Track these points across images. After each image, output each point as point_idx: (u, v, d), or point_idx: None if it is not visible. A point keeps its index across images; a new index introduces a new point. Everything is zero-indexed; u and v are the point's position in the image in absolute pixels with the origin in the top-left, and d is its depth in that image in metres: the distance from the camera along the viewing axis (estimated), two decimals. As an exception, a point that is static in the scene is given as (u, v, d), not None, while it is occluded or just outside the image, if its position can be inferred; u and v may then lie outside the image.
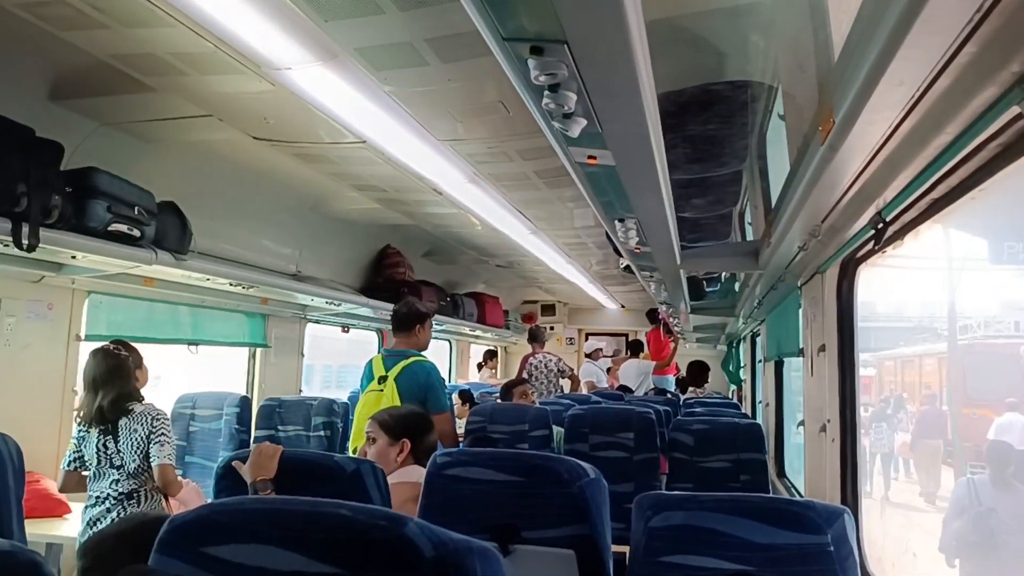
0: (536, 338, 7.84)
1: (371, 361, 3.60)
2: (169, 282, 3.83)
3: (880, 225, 2.06)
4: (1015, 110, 1.19)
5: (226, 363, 5.11)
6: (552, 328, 11.54)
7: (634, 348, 9.09)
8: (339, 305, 5.18)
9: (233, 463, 2.00)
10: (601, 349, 9.89)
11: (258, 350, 5.09)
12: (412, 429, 2.55)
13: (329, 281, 5.24)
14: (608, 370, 9.37)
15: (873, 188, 1.84)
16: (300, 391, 5.44)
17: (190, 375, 5.11)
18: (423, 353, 3.59)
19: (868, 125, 1.40)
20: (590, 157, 1.80)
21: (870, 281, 2.98)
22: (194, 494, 3.21)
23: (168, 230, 3.39)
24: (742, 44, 2.49)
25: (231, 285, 4.01)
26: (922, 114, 1.32)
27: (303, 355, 5.53)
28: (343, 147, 3.55)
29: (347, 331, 6.45)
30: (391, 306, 5.68)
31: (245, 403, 4.07)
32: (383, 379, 3.43)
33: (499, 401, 4.86)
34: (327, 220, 5.08)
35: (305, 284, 4.74)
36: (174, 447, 3.12)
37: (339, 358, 9.42)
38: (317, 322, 5.80)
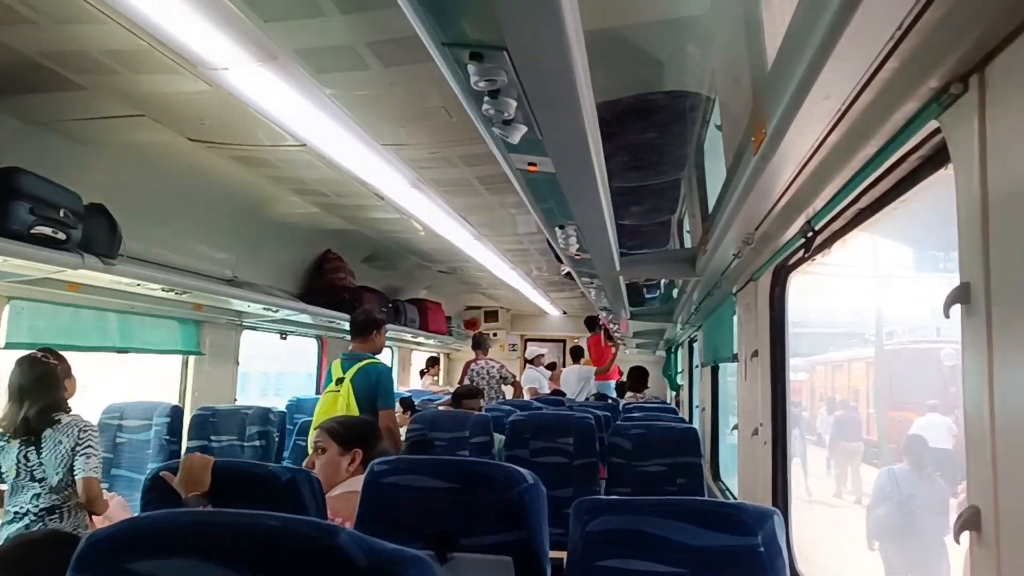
0: (480, 345, 7.76)
1: (331, 365, 4.07)
2: (96, 287, 3.68)
3: (810, 233, 2.13)
4: (933, 124, 1.24)
5: (157, 372, 4.94)
6: (495, 334, 11.54)
7: (575, 354, 9.17)
8: (277, 311, 5.06)
9: (162, 474, 1.92)
10: (543, 355, 9.93)
11: (191, 358, 4.93)
12: (363, 438, 2.50)
13: (267, 287, 5.11)
14: (551, 376, 9.41)
15: (803, 198, 1.90)
16: (235, 400, 5.29)
17: (119, 385, 4.92)
18: (377, 356, 4.08)
19: (798, 136, 1.44)
20: (530, 164, 1.80)
21: (802, 288, 3.07)
22: (120, 509, 3.08)
23: (96, 233, 3.25)
24: (680, 55, 2.54)
25: (163, 291, 3.87)
26: (848, 127, 1.37)
27: (238, 363, 5.38)
28: (283, 150, 3.48)
29: (285, 338, 6.31)
30: (331, 313, 5.64)
31: (176, 413, 3.94)
32: (340, 380, 3.92)
33: (444, 408, 4.82)
34: (266, 225, 4.96)
35: (241, 290, 4.61)
36: (101, 460, 2.99)
37: (277, 365, 9.20)
38: (254, 329, 5.65)
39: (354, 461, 2.44)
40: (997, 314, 1.02)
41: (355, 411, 3.78)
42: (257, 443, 4.15)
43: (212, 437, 4.16)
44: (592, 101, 1.50)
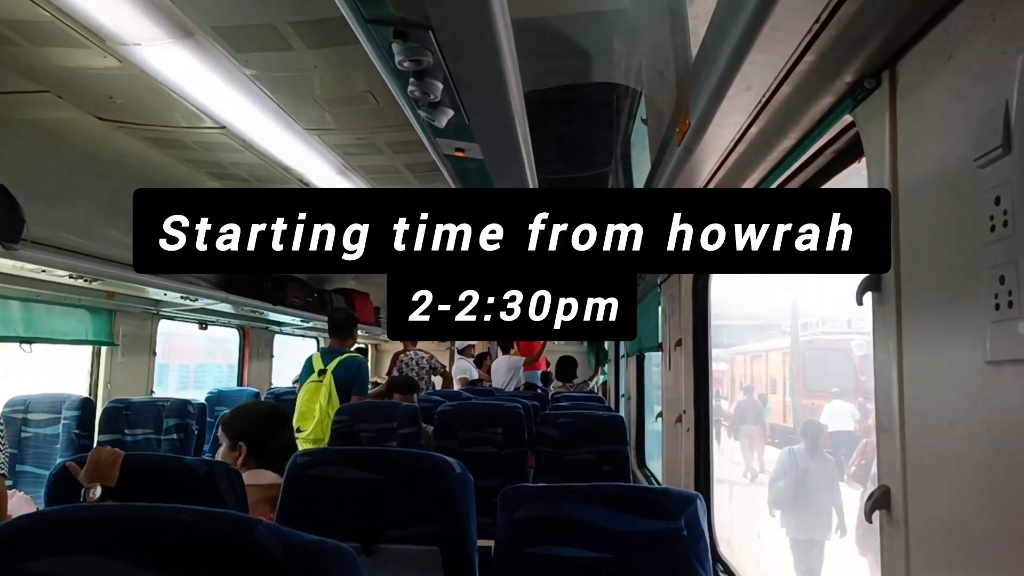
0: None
1: (310, 358, 4.44)
2: (-3, 273, 3.46)
3: (731, 225, 2.18)
4: (847, 118, 1.28)
5: (66, 363, 4.68)
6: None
7: (504, 345, 9.17)
8: (195, 300, 4.87)
9: (67, 464, 1.82)
10: (473, 345, 9.89)
11: (103, 349, 4.70)
12: (251, 433, 2.33)
13: (185, 275, 4.91)
14: (482, 367, 9.40)
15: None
16: (152, 392, 5.07)
17: (23, 376, 4.64)
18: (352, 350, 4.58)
19: (720, 128, 1.47)
20: (458, 150, 1.78)
21: (724, 281, 3.15)
22: (24, 505, 2.91)
23: (-5, 216, 3.06)
24: (606, 48, 2.56)
25: (71, 278, 3.66)
26: (768, 119, 1.40)
27: (155, 354, 5.16)
28: (201, 132, 3.34)
29: (205, 328, 6.09)
30: (254, 302, 5.48)
31: (87, 405, 3.74)
32: (322, 372, 4.26)
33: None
34: (183, 210, 4.76)
35: (157, 277, 4.42)
36: (6, 456, 2.82)
37: (196, 357, 8.88)
38: (171, 318, 5.43)
39: (240, 455, 2.23)
40: (906, 301, 1.07)
41: (336, 399, 4.15)
42: (174, 437, 3.99)
43: (126, 431, 3.98)
44: (520, 87, 1.49)
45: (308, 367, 4.39)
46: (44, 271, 3.46)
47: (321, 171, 3.75)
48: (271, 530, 0.89)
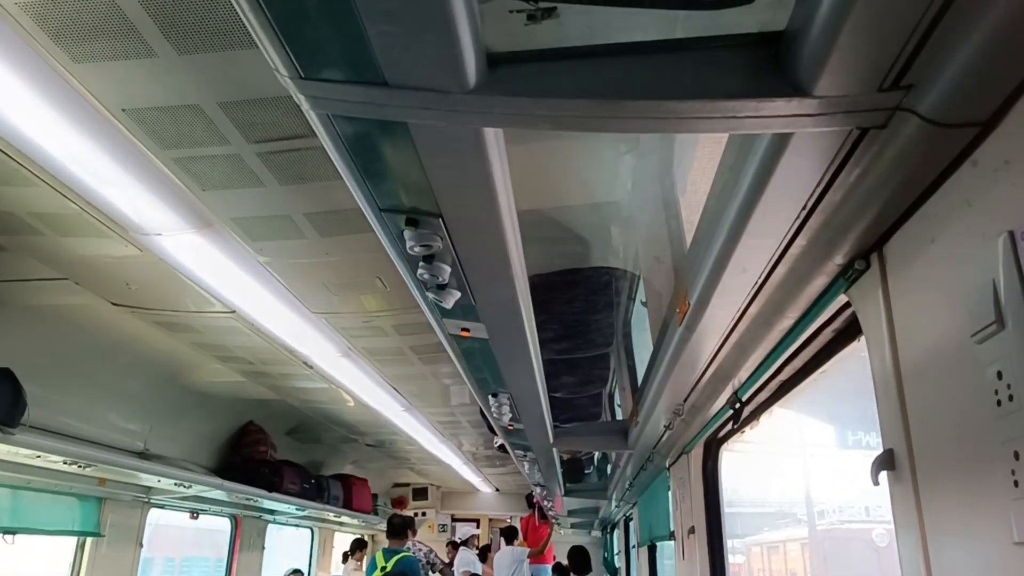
0: (397, 532, 5.75)
1: (375, 555, 5.53)
2: (-11, 459, 3.39)
3: (737, 405, 2.17)
4: (842, 299, 1.32)
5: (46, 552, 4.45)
6: (424, 514, 11.00)
7: (508, 535, 8.73)
8: (189, 487, 4.72)
9: None
10: (477, 535, 9.45)
11: (88, 540, 4.48)
12: None
13: (180, 460, 4.81)
14: (486, 561, 8.92)
15: (729, 368, 1.96)
16: (134, 588, 4.77)
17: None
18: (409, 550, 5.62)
19: (719, 308, 1.51)
20: (463, 330, 1.82)
21: (734, 466, 3.08)
22: None
23: (-2, 400, 3.05)
24: (604, 235, 2.69)
25: (65, 463, 3.58)
26: (765, 299, 1.44)
27: (142, 545, 4.91)
28: (210, 316, 3.41)
29: (196, 517, 5.85)
30: (248, 489, 5.31)
31: (63, 605, 3.51)
32: (384, 568, 5.23)
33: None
34: (184, 393, 4.76)
35: (152, 463, 4.32)
36: None
37: (183, 549, 8.43)
38: (162, 507, 5.23)
39: None
40: (923, 479, 1.04)
41: None
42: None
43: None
44: (524, 269, 1.55)
45: (373, 564, 5.46)
46: (39, 456, 3.39)
47: (326, 353, 3.79)
48: None
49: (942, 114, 0.88)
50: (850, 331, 1.49)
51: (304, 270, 2.87)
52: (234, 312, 3.24)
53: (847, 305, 1.34)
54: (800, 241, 1.21)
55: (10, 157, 2.10)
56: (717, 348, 1.79)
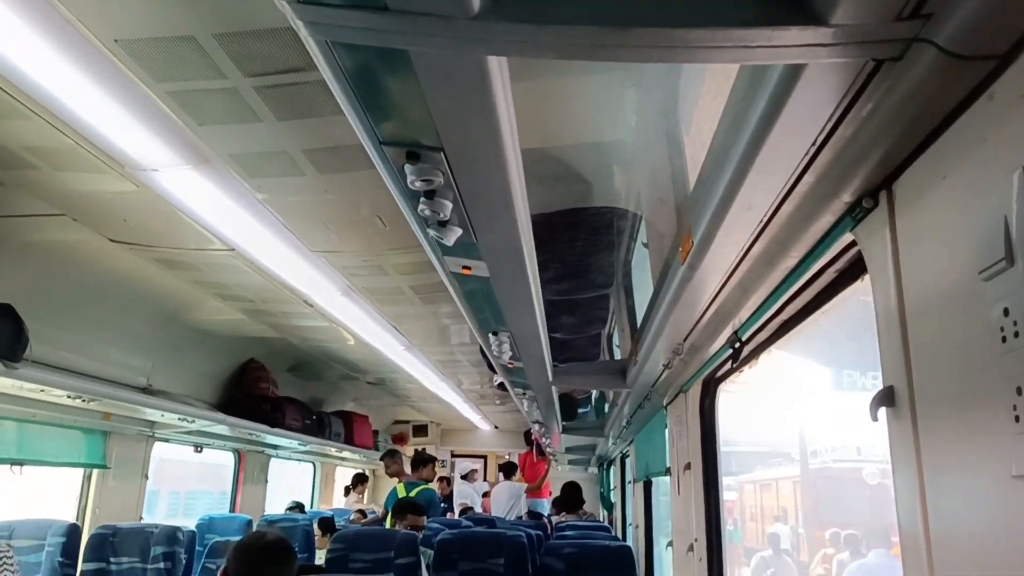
0: (420, 465, 6.36)
1: (395, 488, 5.77)
2: (-7, 393, 3.43)
3: (737, 344, 2.18)
4: (848, 237, 1.31)
5: (55, 486, 4.55)
6: (423, 449, 11.22)
7: (507, 470, 8.92)
8: (193, 422, 4.80)
9: None
10: (477, 470, 9.66)
11: (94, 472, 4.58)
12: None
13: (183, 396, 4.87)
14: (485, 494, 9.14)
15: (730, 308, 1.96)
16: (141, 519, 4.90)
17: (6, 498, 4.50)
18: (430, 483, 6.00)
19: (723, 246, 1.50)
20: (464, 267, 1.81)
21: (730, 405, 3.12)
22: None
23: (0, 335, 3.07)
24: (607, 175, 2.66)
25: (69, 397, 3.63)
26: (770, 238, 1.43)
27: (147, 477, 5.02)
28: (209, 254, 3.41)
29: (200, 451, 5.96)
30: (251, 424, 5.40)
31: (73, 532, 3.60)
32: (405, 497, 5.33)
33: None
34: (186, 330, 4.79)
35: (155, 398, 4.38)
36: None
37: (187, 483, 8.63)
38: (166, 441, 5.32)
39: None
40: (923, 416, 1.05)
41: None
42: (161, 566, 3.80)
43: (111, 559, 3.80)
44: (526, 206, 1.53)
45: (394, 494, 5.63)
46: (43, 390, 3.43)
47: (326, 292, 3.79)
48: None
49: (960, 46, 0.85)
50: (854, 270, 1.48)
51: (303, 208, 2.84)
52: (233, 250, 3.23)
53: (852, 244, 1.33)
54: (808, 178, 1.19)
55: (1, 89, 2.06)
56: (719, 288, 1.78)
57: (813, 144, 1.08)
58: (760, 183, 1.20)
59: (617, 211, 2.61)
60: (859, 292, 1.59)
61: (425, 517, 4.50)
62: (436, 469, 6.75)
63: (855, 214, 1.25)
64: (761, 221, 1.35)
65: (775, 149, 1.07)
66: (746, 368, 2.50)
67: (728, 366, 2.57)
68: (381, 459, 7.18)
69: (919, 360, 1.07)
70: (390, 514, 4.72)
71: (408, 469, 6.38)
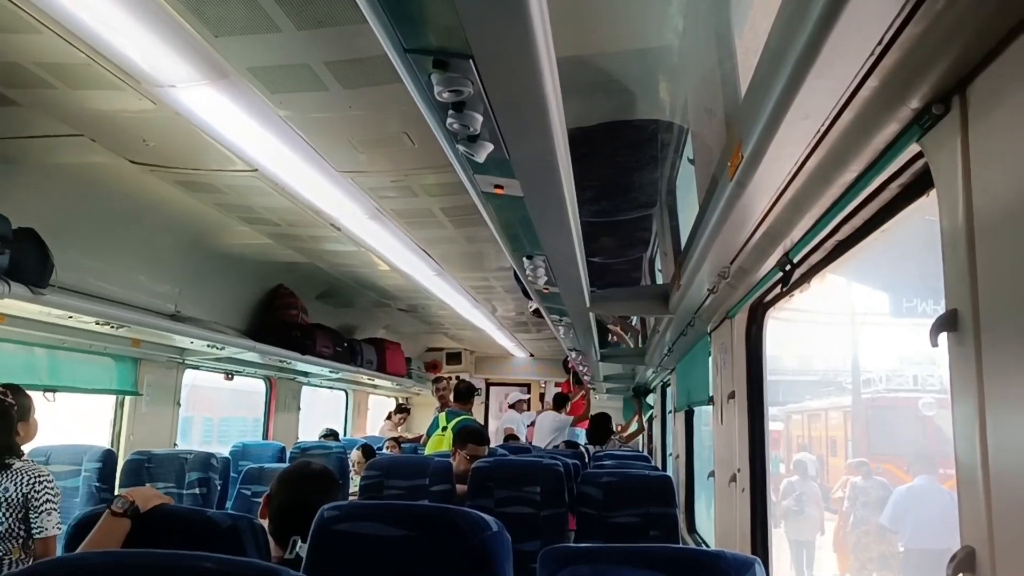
0: (462, 397, 6.23)
1: (437, 416, 5.94)
2: (24, 319, 3.56)
3: (788, 267, 2.14)
4: (914, 148, 1.26)
5: (89, 413, 4.76)
6: (457, 378, 11.45)
7: (558, 402, 9.04)
8: (222, 349, 4.95)
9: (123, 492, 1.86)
10: (527, 400, 9.87)
11: (127, 399, 4.78)
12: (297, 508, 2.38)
13: (212, 323, 5.00)
14: (531, 424, 9.36)
15: (781, 228, 1.91)
16: (175, 445, 5.13)
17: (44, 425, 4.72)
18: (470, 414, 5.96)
19: (776, 160, 1.45)
20: (497, 186, 1.79)
21: (778, 332, 3.09)
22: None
23: (25, 260, 3.16)
24: (651, 85, 2.58)
25: (98, 324, 3.75)
26: (827, 150, 1.38)
27: (179, 404, 5.23)
28: (232, 175, 3.43)
29: (231, 378, 6.17)
30: (282, 351, 5.54)
31: (109, 457, 3.79)
32: (444, 428, 5.57)
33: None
34: (212, 256, 4.88)
35: (184, 325, 4.50)
36: (60, 516, 2.87)
37: (220, 409, 8.96)
38: (196, 368, 5.51)
39: None
40: (987, 341, 1.03)
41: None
42: (197, 491, 4.01)
43: (148, 484, 4.00)
44: (562, 121, 1.50)
45: (435, 423, 5.84)
46: (71, 317, 3.55)
47: (354, 215, 3.81)
48: (299, 582, 0.88)
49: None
50: (919, 185, 1.43)
51: (327, 125, 2.84)
52: (256, 170, 3.25)
53: (918, 156, 1.28)
54: (872, 83, 1.13)
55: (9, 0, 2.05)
56: (770, 205, 1.74)
57: (879, 43, 1.03)
58: (818, 89, 1.15)
59: (661, 123, 2.55)
60: (924, 209, 1.54)
61: (487, 447, 4.46)
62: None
63: (923, 122, 1.19)
64: (818, 131, 1.30)
65: (836, 50, 1.02)
66: (797, 293, 2.46)
67: (777, 291, 2.53)
68: (433, 382, 7.46)
69: (986, 282, 1.03)
70: (451, 441, 4.71)
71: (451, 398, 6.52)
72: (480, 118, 1.33)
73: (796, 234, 1.94)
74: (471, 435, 4.37)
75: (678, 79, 2.51)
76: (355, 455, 5.82)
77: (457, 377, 10.95)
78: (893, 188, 1.51)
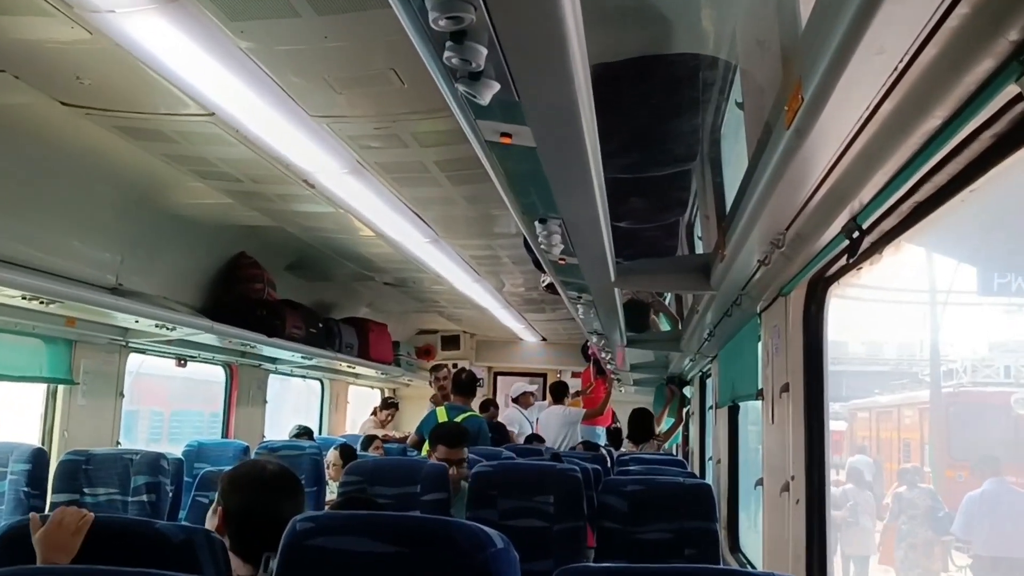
0: (464, 389, 6.53)
1: (435, 411, 6.15)
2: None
3: (855, 234, 2.14)
4: (1013, 89, 1.25)
5: (13, 405, 4.82)
6: (455, 365, 11.50)
7: (556, 392, 9.11)
8: (173, 330, 4.98)
9: (31, 516, 1.86)
10: (533, 393, 9.89)
11: (60, 388, 4.82)
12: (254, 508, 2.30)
13: (161, 298, 5.03)
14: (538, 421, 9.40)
15: (847, 187, 1.91)
16: (118, 443, 5.18)
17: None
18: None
19: (842, 105, 1.45)
20: (504, 135, 1.79)
21: (841, 314, 3.09)
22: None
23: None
24: (692, 11, 2.57)
25: (24, 299, 3.78)
26: (905, 92, 1.37)
27: (122, 395, 5.27)
28: (184, 120, 3.43)
29: (184, 364, 6.21)
30: (244, 333, 5.57)
31: (39, 457, 3.84)
32: None
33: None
34: (160, 218, 4.89)
35: (127, 301, 4.53)
36: None
37: (172, 402, 9.05)
38: (142, 352, 5.55)
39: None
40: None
41: None
42: (144, 498, 4.05)
43: (86, 489, 4.05)
44: (584, 55, 1.49)
45: (430, 419, 5.94)
46: (-8, 290, 3.57)
47: (330, 169, 3.81)
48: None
49: None
50: (1016, 135, 1.42)
51: (298, 59, 2.83)
52: (213, 115, 3.25)
53: (1017, 99, 1.27)
54: (961, 9, 1.12)
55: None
56: (835, 159, 1.73)
57: (972, -39, 1.02)
58: (895, 17, 1.14)
59: (703, 59, 2.54)
60: (1022, 165, 1.54)
61: (465, 450, 4.41)
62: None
63: (1023, 58, 1.19)
64: (895, 69, 1.29)
65: (919, -32, 1.02)
66: (865, 265, 2.46)
67: (842, 263, 2.53)
68: (431, 371, 7.58)
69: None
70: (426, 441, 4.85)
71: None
72: (484, 51, 1.33)
73: (866, 194, 1.93)
74: (442, 436, 4.40)
75: (725, 4, 2.49)
76: (331, 456, 5.87)
77: (455, 365, 11.05)
78: (985, 139, 1.50)
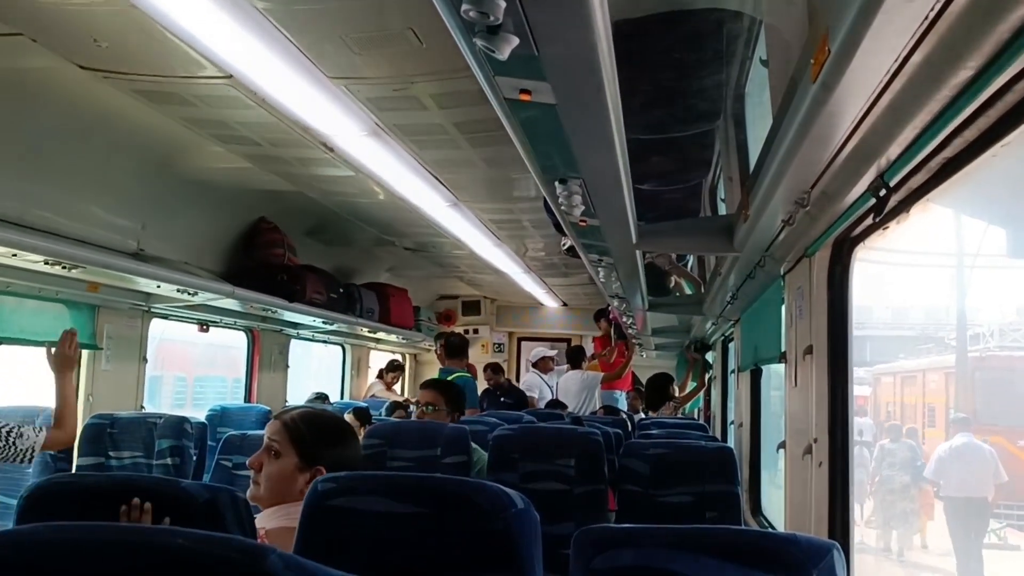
0: (455, 352, 7.20)
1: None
2: (-44, 259, 3.63)
3: (882, 192, 2.10)
4: (1051, 36, 1.22)
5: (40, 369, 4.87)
6: (476, 331, 11.52)
7: (574, 357, 9.12)
8: (195, 295, 5.01)
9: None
10: (553, 358, 9.89)
11: (84, 353, 4.88)
12: (331, 446, 2.30)
13: (182, 263, 5.05)
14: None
15: (875, 143, 1.87)
16: (142, 407, 5.24)
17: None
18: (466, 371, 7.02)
19: (870, 57, 1.41)
20: (523, 92, 1.77)
21: (867, 276, 3.06)
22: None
23: (-47, 187, 3.20)
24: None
25: (46, 264, 3.81)
26: (937, 40, 1.34)
27: (146, 360, 5.33)
28: (202, 83, 3.43)
29: (206, 330, 6.26)
30: (266, 298, 5.60)
31: (65, 421, 3.88)
32: None
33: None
34: (180, 182, 4.90)
35: (149, 266, 4.56)
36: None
37: (195, 367, 9.14)
38: (165, 317, 5.60)
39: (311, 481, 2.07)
40: None
41: None
42: (169, 461, 4.10)
43: (111, 452, 4.11)
44: (605, 7, 1.46)
45: None
46: (14, 255, 3.60)
47: (348, 131, 3.80)
48: (287, 562, 0.89)
49: None
50: (1052, 86, 1.39)
51: (315, 19, 2.81)
52: (231, 77, 3.25)
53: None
54: (998, -51, 1.09)
55: None
56: (863, 113, 1.70)
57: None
58: (929, -40, 1.10)
59: (727, 13, 2.49)
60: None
61: (442, 398, 4.52)
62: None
63: (1064, 1, 1.15)
64: (926, 17, 1.25)
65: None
66: (892, 225, 2.42)
67: (868, 222, 2.49)
68: (436, 339, 7.83)
69: None
70: None
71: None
72: (503, 4, 1.30)
73: (894, 150, 1.89)
74: (424, 383, 4.79)
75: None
76: (347, 419, 5.93)
77: (475, 331, 11.13)
78: (1019, 90, 1.46)
